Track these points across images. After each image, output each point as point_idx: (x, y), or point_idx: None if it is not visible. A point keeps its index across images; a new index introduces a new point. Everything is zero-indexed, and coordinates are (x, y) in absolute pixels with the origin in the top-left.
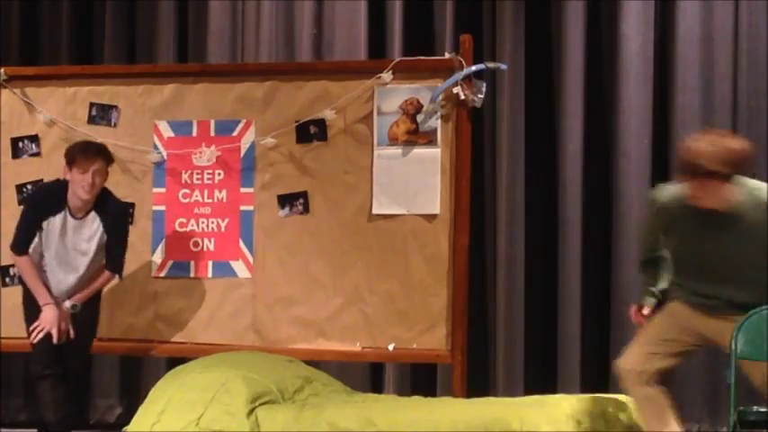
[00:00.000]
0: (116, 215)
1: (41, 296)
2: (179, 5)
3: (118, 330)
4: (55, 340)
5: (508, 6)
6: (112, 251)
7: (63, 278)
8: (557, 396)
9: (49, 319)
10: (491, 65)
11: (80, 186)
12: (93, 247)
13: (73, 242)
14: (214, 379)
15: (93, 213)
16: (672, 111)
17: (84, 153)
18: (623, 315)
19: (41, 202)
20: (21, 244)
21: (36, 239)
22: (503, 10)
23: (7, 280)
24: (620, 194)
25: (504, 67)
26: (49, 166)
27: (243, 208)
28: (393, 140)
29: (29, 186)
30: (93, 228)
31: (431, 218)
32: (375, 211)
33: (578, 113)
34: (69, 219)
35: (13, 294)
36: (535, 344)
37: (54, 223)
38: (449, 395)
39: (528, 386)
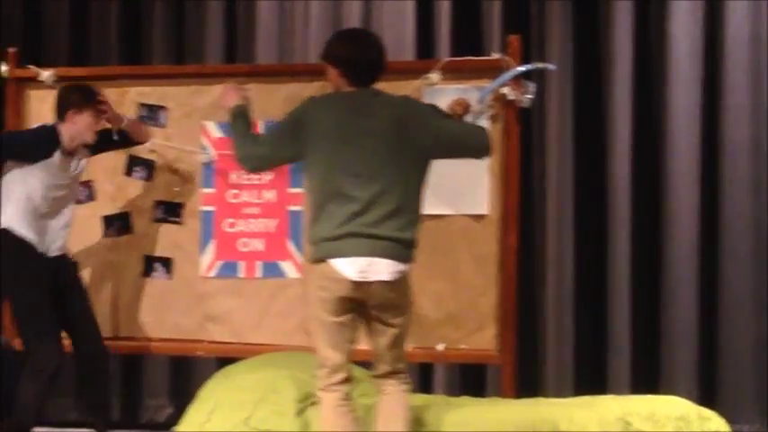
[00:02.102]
0: None
1: None
2: (228, 6)
3: (167, 330)
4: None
5: (556, 6)
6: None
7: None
8: (606, 397)
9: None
10: (539, 65)
11: (90, 130)
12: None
13: (67, 176)
14: (263, 379)
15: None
16: (720, 111)
17: (96, 98)
18: (673, 315)
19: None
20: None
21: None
22: (551, 10)
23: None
24: (668, 194)
25: (552, 67)
26: (98, 166)
27: (291, 208)
28: None
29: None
30: (81, 156)
31: (479, 218)
32: (424, 211)
33: (627, 113)
34: (60, 156)
35: None
36: (584, 344)
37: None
38: (498, 396)
39: (577, 387)
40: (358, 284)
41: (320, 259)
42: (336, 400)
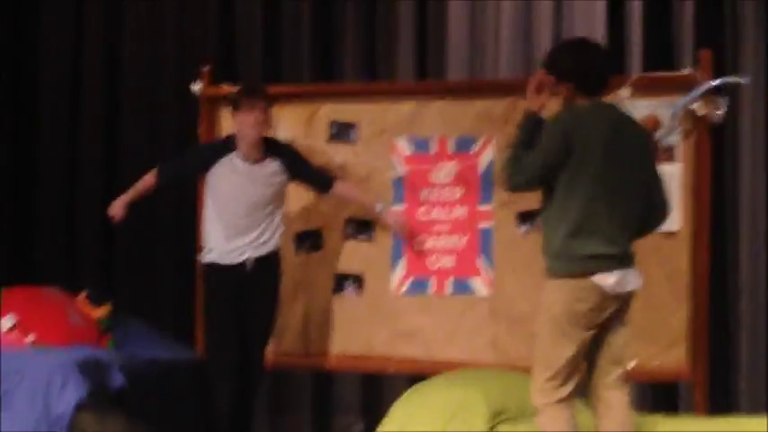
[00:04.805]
0: (290, 151)
1: (126, 195)
2: (418, 21)
3: (357, 347)
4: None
5: (750, 19)
6: (312, 173)
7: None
8: None
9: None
10: (731, 79)
11: (248, 126)
12: (272, 190)
13: (251, 184)
14: (454, 396)
15: (267, 158)
16: None
17: (247, 94)
18: None
19: (202, 154)
20: (167, 169)
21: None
22: (744, 23)
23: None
24: None
25: (745, 80)
26: (292, 185)
27: (482, 225)
28: None
29: None
30: (271, 169)
31: (671, 235)
32: None
33: None
34: (241, 164)
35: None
36: None
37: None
38: (690, 413)
39: None
40: (614, 296)
41: (580, 274)
42: (571, 419)
